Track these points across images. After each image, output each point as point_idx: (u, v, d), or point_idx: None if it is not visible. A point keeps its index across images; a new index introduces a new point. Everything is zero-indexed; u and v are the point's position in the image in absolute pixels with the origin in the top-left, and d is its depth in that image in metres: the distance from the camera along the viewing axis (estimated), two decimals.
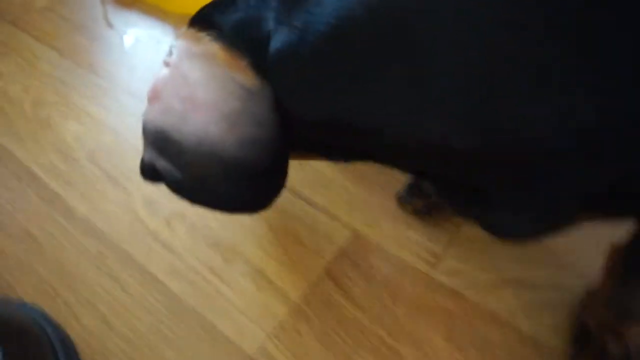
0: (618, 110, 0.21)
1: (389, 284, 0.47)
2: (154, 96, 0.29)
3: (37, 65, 0.78)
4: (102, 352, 0.45)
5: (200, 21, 0.30)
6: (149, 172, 0.30)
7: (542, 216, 0.29)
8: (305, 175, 0.57)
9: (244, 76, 0.27)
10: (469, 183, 0.29)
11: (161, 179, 0.30)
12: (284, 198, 0.55)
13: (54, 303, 0.48)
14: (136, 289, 0.49)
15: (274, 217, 0.54)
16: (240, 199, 0.30)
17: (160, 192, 0.57)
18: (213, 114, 0.27)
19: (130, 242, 0.53)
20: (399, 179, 0.55)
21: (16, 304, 0.47)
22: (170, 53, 0.31)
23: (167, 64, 0.30)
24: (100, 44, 0.81)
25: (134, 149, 0.63)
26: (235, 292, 0.48)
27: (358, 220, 0.52)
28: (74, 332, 0.46)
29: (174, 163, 0.29)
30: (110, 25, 0.85)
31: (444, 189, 0.33)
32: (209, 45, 0.28)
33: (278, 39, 0.26)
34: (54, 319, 0.46)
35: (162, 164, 0.29)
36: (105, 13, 0.88)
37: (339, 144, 0.31)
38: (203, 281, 0.49)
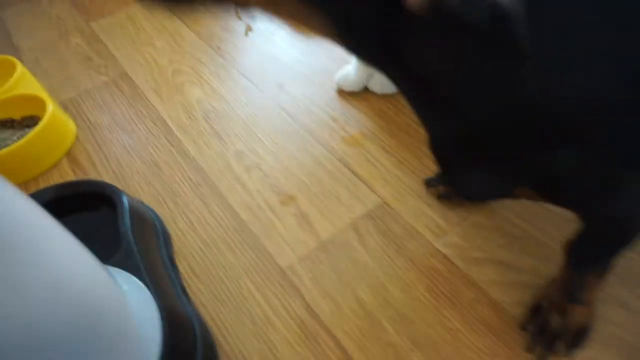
0: None
1: (397, 242, 0.60)
2: None
3: (181, 44, 1.02)
4: (186, 246, 0.64)
5: None
6: None
7: (497, 183, 0.40)
8: (355, 152, 0.72)
9: None
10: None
11: None
12: (335, 167, 0.70)
13: (162, 208, 0.69)
14: (217, 211, 0.68)
15: (325, 179, 0.69)
16: None
17: (247, 148, 0.76)
18: None
19: (220, 180, 0.72)
20: (431, 169, 0.67)
21: (141, 203, 0.68)
22: None
23: None
24: (229, 32, 1.03)
25: (236, 115, 0.83)
26: (283, 225, 0.64)
27: (389, 192, 0.66)
28: (172, 229, 0.66)
29: None
30: (238, 17, 1.07)
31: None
32: None
33: None
34: (161, 218, 0.67)
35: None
36: (237, 9, 1.10)
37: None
38: (263, 215, 0.66)
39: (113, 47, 1.06)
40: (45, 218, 0.38)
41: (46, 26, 1.17)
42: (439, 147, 0.41)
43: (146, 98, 0.90)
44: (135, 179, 0.75)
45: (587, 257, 0.46)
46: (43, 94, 0.85)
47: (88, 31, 1.12)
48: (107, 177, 0.76)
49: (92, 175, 0.77)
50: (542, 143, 0.33)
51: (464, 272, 0.56)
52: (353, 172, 0.69)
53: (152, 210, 0.68)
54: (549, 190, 0.38)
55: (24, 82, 0.88)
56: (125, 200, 0.60)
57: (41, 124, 0.78)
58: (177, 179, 0.74)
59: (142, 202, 0.68)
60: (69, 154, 0.81)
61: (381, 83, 0.80)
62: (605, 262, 0.45)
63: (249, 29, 1.03)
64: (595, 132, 0.31)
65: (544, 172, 0.36)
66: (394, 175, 0.68)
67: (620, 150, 0.32)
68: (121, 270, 0.52)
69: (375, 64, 0.35)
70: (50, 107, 0.81)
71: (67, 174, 0.78)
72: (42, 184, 0.77)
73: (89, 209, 0.65)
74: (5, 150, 0.74)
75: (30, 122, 0.85)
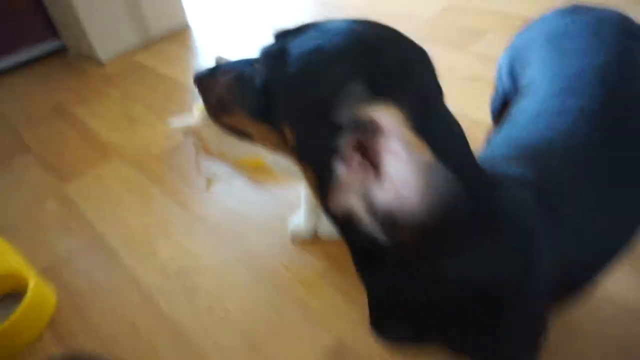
0: None
1: None
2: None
3: (150, 203, 1.15)
4: None
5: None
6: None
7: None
8: (313, 294, 0.83)
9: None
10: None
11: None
12: (297, 310, 0.81)
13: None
14: None
15: (288, 324, 0.79)
16: None
17: (217, 303, 0.86)
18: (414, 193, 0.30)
19: (196, 336, 0.81)
20: None
21: None
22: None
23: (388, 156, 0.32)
24: (193, 188, 1.17)
25: (205, 270, 0.93)
26: None
27: (346, 331, 0.76)
28: None
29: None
30: (199, 172, 1.22)
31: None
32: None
33: None
34: None
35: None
36: (197, 163, 1.26)
37: None
38: None
39: (86, 209, 1.17)
40: None
41: (22, 193, 1.28)
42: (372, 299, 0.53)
43: (120, 260, 1.00)
44: (116, 343, 0.82)
45: None
46: (23, 268, 0.93)
47: (61, 195, 1.24)
48: (89, 345, 0.83)
49: (73, 344, 0.84)
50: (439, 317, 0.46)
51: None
52: (313, 312, 0.80)
53: None
54: (451, 345, 0.51)
55: (5, 256, 0.96)
56: None
57: (22, 305, 0.85)
58: (155, 339, 0.82)
59: None
60: (51, 324, 0.88)
61: (330, 229, 0.94)
62: None
63: (209, 182, 1.18)
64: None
65: (444, 334, 0.49)
66: (349, 314, 0.79)
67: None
68: None
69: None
70: (32, 282, 0.89)
71: (51, 347, 0.84)
72: (27, 358, 0.82)
73: None
74: None
75: (12, 300, 0.92)
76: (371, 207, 0.32)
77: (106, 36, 1.93)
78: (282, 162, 0.80)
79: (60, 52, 2.18)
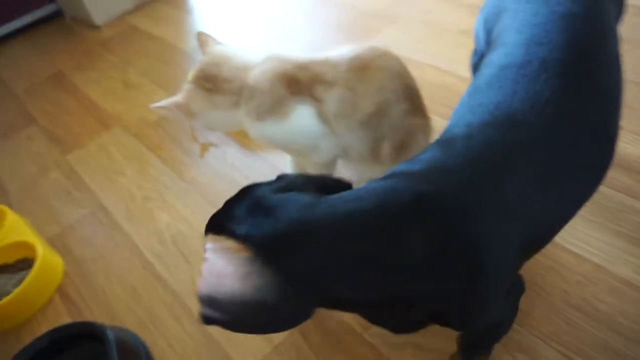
0: None
1: (335, 337, 0.75)
2: (202, 278, 0.44)
3: (148, 170, 1.19)
4: None
5: (214, 228, 0.47)
6: (206, 320, 0.44)
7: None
8: None
9: (246, 254, 0.43)
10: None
11: (214, 322, 0.44)
12: None
13: (144, 331, 0.83)
14: (189, 329, 0.82)
15: None
16: (267, 326, 0.45)
17: None
18: (233, 278, 0.42)
19: (190, 298, 0.87)
20: None
21: (127, 331, 0.82)
22: (205, 250, 0.46)
23: (205, 257, 0.45)
24: (188, 155, 1.21)
25: (200, 236, 0.98)
26: (243, 334, 0.79)
27: None
28: (154, 350, 0.79)
29: (220, 311, 0.43)
30: (195, 139, 1.25)
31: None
32: (225, 242, 0.44)
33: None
34: (144, 341, 0.80)
35: (212, 313, 0.43)
36: (192, 129, 1.28)
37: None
38: None
39: (88, 179, 1.22)
40: None
41: (27, 163, 1.33)
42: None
43: (121, 227, 1.05)
44: (119, 306, 0.89)
45: (475, 347, 0.62)
46: (32, 238, 0.99)
47: (65, 165, 1.29)
48: (94, 308, 0.90)
49: (82, 308, 0.91)
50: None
51: (387, 356, 0.71)
52: None
53: (136, 337, 0.82)
54: (439, 321, 0.54)
55: (16, 228, 1.02)
56: (111, 336, 0.74)
57: (33, 271, 0.92)
58: (154, 302, 0.88)
59: (127, 331, 0.82)
60: (60, 290, 0.95)
61: None
62: (486, 351, 0.62)
63: (204, 149, 1.21)
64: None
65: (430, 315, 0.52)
66: None
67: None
68: None
69: None
70: (40, 250, 0.95)
71: (60, 310, 0.91)
72: (41, 320, 0.90)
73: (81, 345, 0.78)
74: (4, 300, 0.88)
75: (23, 264, 0.99)
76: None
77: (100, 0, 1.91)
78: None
79: (56, 17, 2.17)
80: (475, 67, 0.79)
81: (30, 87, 1.71)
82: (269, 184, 0.52)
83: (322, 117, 0.77)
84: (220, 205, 0.51)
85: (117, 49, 1.79)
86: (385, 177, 0.49)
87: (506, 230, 0.46)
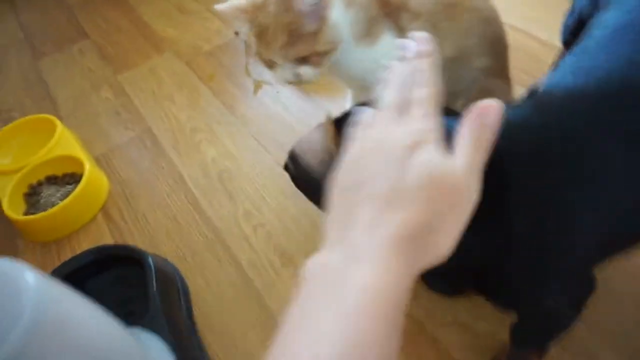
0: None
1: None
2: (300, 137, 0.55)
3: (198, 100, 1.15)
4: (202, 301, 0.77)
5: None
6: (285, 168, 0.55)
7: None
8: None
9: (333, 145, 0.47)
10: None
11: (289, 172, 0.55)
12: None
13: (182, 263, 0.82)
14: (228, 269, 0.80)
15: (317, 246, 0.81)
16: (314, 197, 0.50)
17: (254, 208, 0.88)
18: (314, 156, 0.50)
19: (231, 238, 0.85)
20: None
21: (165, 261, 0.81)
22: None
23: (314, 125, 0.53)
24: (240, 89, 1.15)
25: (246, 174, 0.95)
26: (284, 285, 0.76)
27: None
28: (190, 283, 0.79)
29: (297, 169, 0.53)
30: (248, 74, 1.19)
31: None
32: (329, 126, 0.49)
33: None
34: (181, 274, 0.79)
35: (291, 166, 0.54)
36: (246, 65, 1.22)
37: None
38: (267, 275, 0.78)
39: (138, 102, 1.19)
40: (83, 304, 0.51)
41: (78, 77, 1.32)
42: None
43: (167, 155, 1.03)
44: (159, 234, 0.88)
45: (525, 341, 0.57)
46: (80, 153, 0.98)
47: (115, 84, 1.26)
48: (135, 232, 0.89)
49: (123, 230, 0.90)
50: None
51: (430, 332, 0.67)
52: None
53: (174, 267, 0.81)
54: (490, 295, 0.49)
55: (64, 141, 1.01)
56: (151, 263, 0.73)
57: (80, 186, 0.91)
58: (194, 236, 0.86)
59: (165, 260, 0.81)
60: (104, 209, 0.95)
61: None
62: (541, 346, 0.56)
63: (258, 86, 1.15)
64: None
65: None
66: None
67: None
68: (148, 331, 0.65)
69: None
70: (88, 166, 0.94)
71: (103, 229, 0.91)
72: (82, 237, 0.91)
73: (121, 268, 0.78)
74: (52, 210, 0.88)
75: (70, 179, 0.99)
76: None
77: None
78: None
79: None
80: (570, 30, 0.68)
81: (83, 1, 1.67)
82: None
83: None
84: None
85: None
86: None
87: (592, 209, 0.40)
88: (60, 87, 1.29)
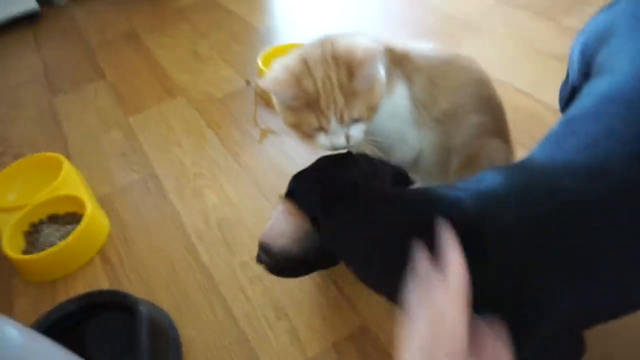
0: None
1: None
2: (266, 229, 0.61)
3: (204, 146, 1.17)
4: (194, 352, 0.75)
5: (290, 195, 0.59)
6: (259, 260, 0.62)
7: None
8: (345, 272, 0.83)
9: (303, 222, 0.57)
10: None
11: (264, 264, 0.62)
12: (325, 284, 0.81)
13: (176, 312, 0.81)
14: (222, 320, 0.79)
15: (316, 296, 0.80)
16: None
17: (252, 259, 0.88)
18: (288, 237, 0.58)
19: (227, 288, 0.84)
20: None
21: (159, 310, 0.80)
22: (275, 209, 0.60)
23: (274, 215, 0.61)
24: (245, 137, 1.18)
25: (245, 224, 0.95)
26: (277, 341, 0.75)
27: (370, 315, 0.76)
28: (183, 333, 0.77)
29: (271, 259, 0.61)
30: (256, 124, 1.22)
31: None
32: (292, 209, 0.58)
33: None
34: (174, 323, 0.78)
35: (264, 258, 0.61)
36: (255, 113, 1.25)
37: None
38: (261, 328, 0.77)
39: (146, 144, 1.22)
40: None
41: (91, 117, 1.35)
42: None
43: (169, 199, 1.04)
44: (155, 280, 0.88)
45: None
46: (83, 194, 1.00)
47: (126, 126, 1.29)
48: (132, 276, 0.89)
49: (120, 274, 0.90)
50: None
51: None
52: (340, 292, 0.80)
53: (167, 316, 0.80)
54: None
55: (69, 180, 1.03)
56: (144, 312, 0.73)
57: (79, 227, 0.92)
58: (190, 284, 0.86)
59: (159, 309, 0.81)
60: (102, 251, 0.95)
61: None
62: None
63: (263, 135, 1.18)
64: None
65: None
66: (376, 298, 0.79)
67: None
68: None
69: None
70: (89, 208, 0.95)
71: (99, 271, 0.91)
72: (79, 279, 0.90)
73: (112, 314, 0.77)
74: (50, 250, 0.88)
75: (72, 219, 1.00)
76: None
77: None
78: None
79: None
80: (565, 100, 0.71)
81: (103, 42, 1.74)
82: (346, 167, 0.61)
83: (412, 99, 0.71)
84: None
85: (193, 18, 1.78)
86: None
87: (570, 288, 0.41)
88: (72, 126, 1.33)
